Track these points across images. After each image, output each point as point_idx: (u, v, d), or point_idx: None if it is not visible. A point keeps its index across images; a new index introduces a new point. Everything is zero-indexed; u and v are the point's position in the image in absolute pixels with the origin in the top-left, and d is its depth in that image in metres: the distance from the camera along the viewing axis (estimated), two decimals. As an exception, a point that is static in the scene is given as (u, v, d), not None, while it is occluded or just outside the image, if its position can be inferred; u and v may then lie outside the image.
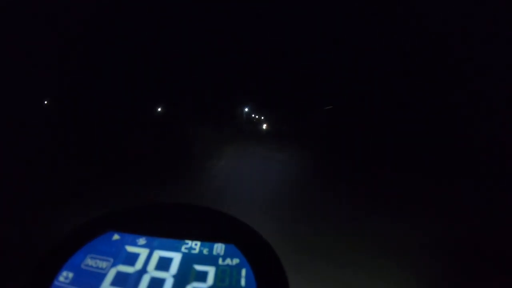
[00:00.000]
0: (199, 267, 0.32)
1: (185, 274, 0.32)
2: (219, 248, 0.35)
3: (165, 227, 0.38)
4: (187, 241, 0.36)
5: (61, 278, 0.31)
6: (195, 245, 0.35)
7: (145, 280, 0.31)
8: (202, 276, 0.31)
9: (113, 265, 0.33)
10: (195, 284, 0.31)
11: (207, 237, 0.36)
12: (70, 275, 0.31)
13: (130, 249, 0.35)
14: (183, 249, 0.35)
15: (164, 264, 0.33)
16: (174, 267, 0.32)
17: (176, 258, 0.34)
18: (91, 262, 0.33)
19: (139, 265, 0.33)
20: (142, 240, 0.36)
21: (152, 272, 0.32)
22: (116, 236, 0.36)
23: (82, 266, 0.33)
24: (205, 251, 0.35)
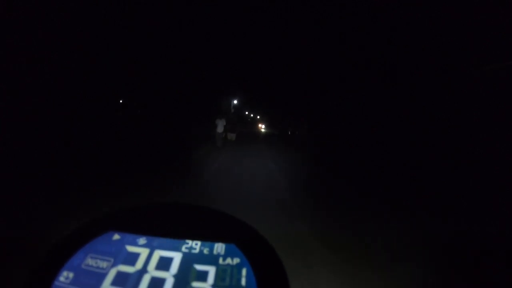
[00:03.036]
0: (199, 267, 0.32)
1: (185, 274, 0.31)
2: (219, 247, 0.35)
3: (165, 227, 0.38)
4: (187, 240, 0.36)
5: (61, 278, 0.31)
6: (196, 245, 0.35)
7: (145, 280, 0.31)
8: (202, 276, 0.31)
9: (114, 265, 0.32)
10: (195, 283, 0.30)
11: (208, 237, 0.36)
12: (71, 275, 0.31)
13: (131, 248, 0.35)
14: (183, 248, 0.35)
15: (164, 263, 0.33)
16: (174, 267, 0.32)
17: (177, 257, 0.33)
18: (91, 262, 0.33)
19: (139, 265, 0.33)
20: (142, 240, 0.36)
21: (153, 271, 0.32)
22: (116, 236, 0.36)
23: (83, 266, 0.32)
24: (206, 251, 0.34)
